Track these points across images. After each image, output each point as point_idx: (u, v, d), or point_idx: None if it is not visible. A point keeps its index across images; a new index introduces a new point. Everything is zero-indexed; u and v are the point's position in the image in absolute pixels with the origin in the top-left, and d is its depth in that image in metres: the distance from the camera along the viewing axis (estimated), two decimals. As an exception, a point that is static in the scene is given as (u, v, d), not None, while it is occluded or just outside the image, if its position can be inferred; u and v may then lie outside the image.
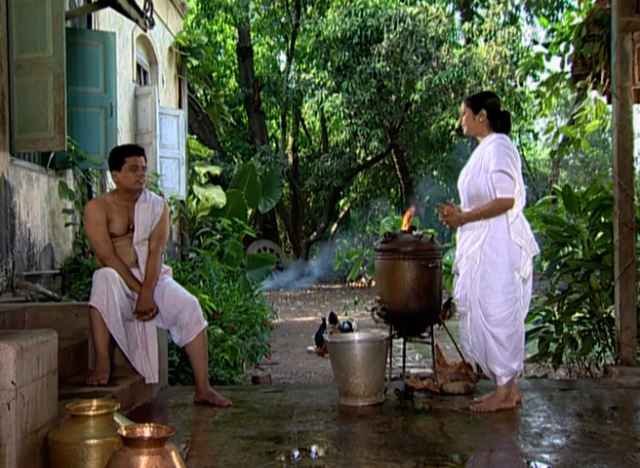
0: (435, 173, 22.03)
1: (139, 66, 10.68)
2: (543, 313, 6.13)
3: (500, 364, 4.27)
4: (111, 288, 4.34)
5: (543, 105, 6.83)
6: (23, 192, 6.32)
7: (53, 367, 3.16)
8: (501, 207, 4.24)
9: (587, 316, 5.96)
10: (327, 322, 8.91)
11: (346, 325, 8.75)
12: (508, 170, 4.21)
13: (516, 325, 4.27)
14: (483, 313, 4.28)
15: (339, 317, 9.27)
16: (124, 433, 2.64)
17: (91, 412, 2.96)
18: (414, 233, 4.79)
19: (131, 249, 4.66)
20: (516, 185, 4.25)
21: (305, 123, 25.27)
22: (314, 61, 22.29)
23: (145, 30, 8.32)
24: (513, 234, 4.24)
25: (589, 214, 6.01)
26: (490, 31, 19.70)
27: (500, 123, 4.43)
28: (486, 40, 19.79)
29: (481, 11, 23.19)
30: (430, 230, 4.80)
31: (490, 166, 4.25)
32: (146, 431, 2.68)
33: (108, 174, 8.26)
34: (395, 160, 22.31)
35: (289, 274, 19.51)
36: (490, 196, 4.27)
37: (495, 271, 4.25)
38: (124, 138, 9.14)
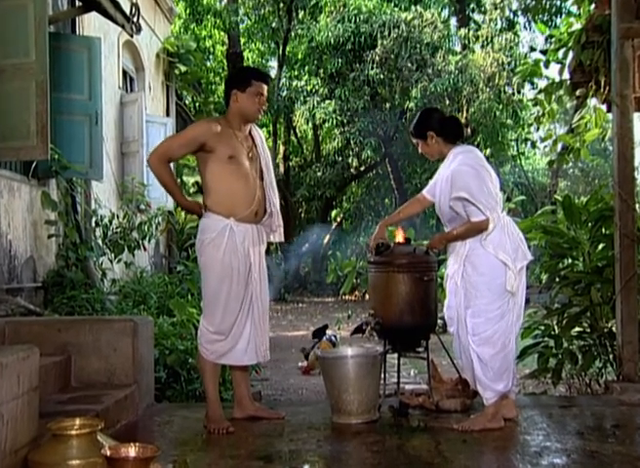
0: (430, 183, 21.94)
1: (125, 73, 10.68)
2: (542, 327, 6.05)
3: (483, 384, 4.22)
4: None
5: (546, 115, 6.78)
6: (4, 202, 6.29)
7: (34, 384, 3.11)
8: (475, 229, 4.19)
9: (588, 330, 5.89)
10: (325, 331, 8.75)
11: (333, 338, 8.59)
12: (465, 194, 4.15)
13: (502, 343, 4.20)
14: (468, 333, 4.24)
15: (328, 331, 9.07)
16: (108, 453, 2.66)
17: (73, 432, 2.90)
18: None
19: (255, 181, 4.25)
20: (488, 199, 4.16)
21: (297, 131, 25.21)
22: (306, 68, 22.21)
23: (132, 36, 8.29)
24: (491, 247, 4.17)
25: (590, 225, 5.94)
26: (487, 37, 19.74)
27: (450, 133, 4.40)
28: (483, 46, 19.81)
29: (477, 16, 23.17)
30: (425, 242, 4.69)
31: (451, 192, 4.23)
32: (131, 451, 2.72)
33: (93, 183, 8.17)
34: (389, 169, 22.21)
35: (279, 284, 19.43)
36: (464, 214, 4.23)
37: (475, 290, 4.20)
38: (109, 147, 9.04)
